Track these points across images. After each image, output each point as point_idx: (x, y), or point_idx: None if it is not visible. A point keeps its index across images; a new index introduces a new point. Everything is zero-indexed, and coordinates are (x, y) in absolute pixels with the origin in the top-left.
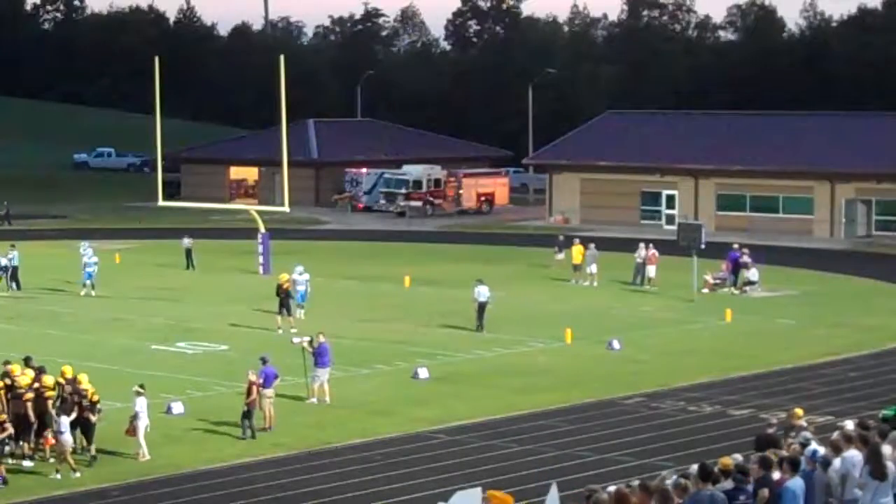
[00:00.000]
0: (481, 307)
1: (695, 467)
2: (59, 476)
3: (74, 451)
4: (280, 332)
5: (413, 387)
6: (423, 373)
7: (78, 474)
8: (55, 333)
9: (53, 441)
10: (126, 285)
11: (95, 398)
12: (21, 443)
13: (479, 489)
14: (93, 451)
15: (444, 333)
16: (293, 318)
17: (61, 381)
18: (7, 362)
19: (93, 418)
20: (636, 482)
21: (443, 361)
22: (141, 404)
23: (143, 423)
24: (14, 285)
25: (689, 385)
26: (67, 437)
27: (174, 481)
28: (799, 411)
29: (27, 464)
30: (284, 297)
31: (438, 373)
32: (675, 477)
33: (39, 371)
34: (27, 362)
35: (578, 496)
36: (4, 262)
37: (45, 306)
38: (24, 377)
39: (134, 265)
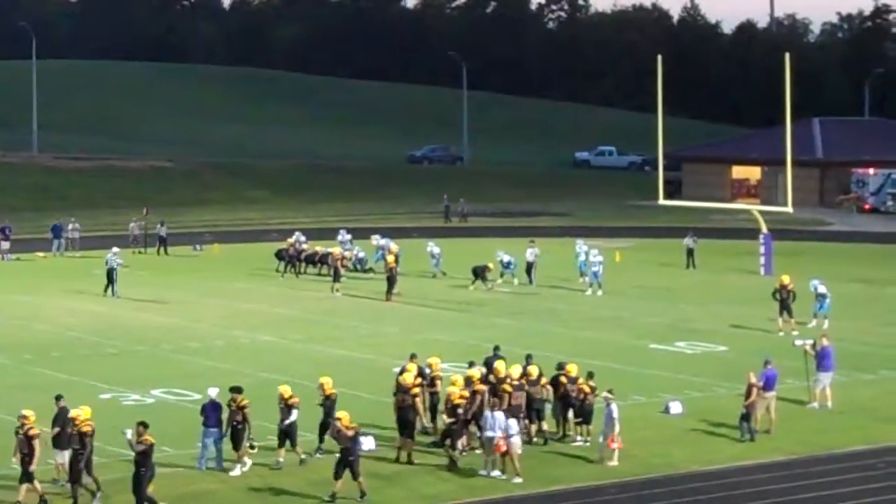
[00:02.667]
0: None
1: None
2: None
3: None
4: (781, 334)
5: None
6: None
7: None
8: (555, 330)
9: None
10: (626, 283)
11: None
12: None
13: None
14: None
15: None
16: (795, 321)
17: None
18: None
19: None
20: None
21: None
22: (614, 411)
23: (615, 429)
24: (529, 279)
25: None
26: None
27: (670, 481)
28: None
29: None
30: (785, 299)
31: None
32: None
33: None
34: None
35: None
36: (507, 258)
37: (547, 303)
38: (408, 374)
39: (634, 264)
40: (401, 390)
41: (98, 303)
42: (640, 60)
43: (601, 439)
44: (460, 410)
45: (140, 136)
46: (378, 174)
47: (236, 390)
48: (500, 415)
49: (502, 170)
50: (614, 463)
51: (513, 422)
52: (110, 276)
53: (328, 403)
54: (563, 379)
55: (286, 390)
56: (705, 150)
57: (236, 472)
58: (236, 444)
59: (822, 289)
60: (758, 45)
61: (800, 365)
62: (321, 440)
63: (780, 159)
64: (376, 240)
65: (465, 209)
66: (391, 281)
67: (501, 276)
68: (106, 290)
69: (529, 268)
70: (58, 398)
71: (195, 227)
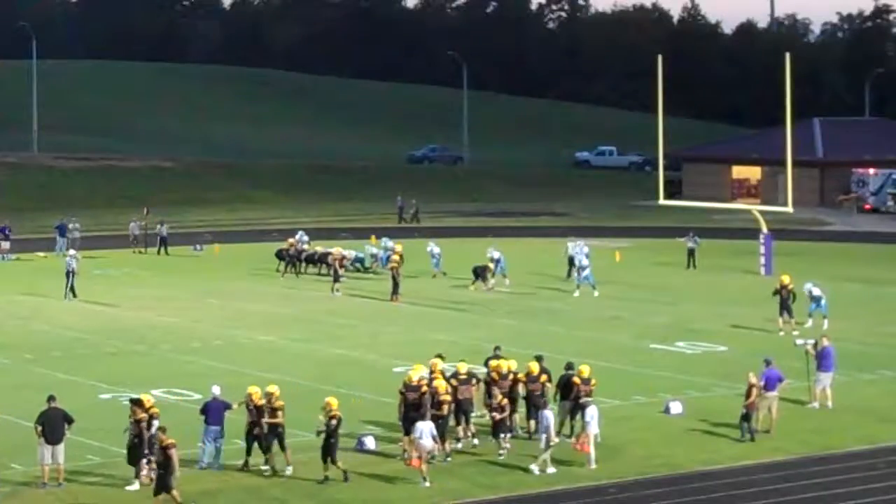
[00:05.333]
0: None
1: None
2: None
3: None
4: (782, 334)
5: None
6: None
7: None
8: (555, 330)
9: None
10: (626, 284)
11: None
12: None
13: None
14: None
15: None
16: (795, 321)
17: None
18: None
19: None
20: None
21: None
22: (591, 413)
23: (593, 431)
24: (577, 276)
25: None
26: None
27: (671, 481)
28: None
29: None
30: (785, 299)
31: None
32: None
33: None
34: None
35: None
36: (496, 254)
37: (544, 302)
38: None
39: (634, 263)
40: (409, 389)
41: (98, 303)
42: (640, 60)
43: (574, 440)
44: (334, 422)
45: (140, 136)
46: (378, 174)
47: (137, 403)
48: (549, 413)
49: (502, 170)
50: (592, 466)
51: (425, 425)
52: (68, 278)
53: (256, 412)
54: (577, 380)
55: (148, 399)
56: (705, 150)
57: (134, 486)
58: (132, 459)
59: (816, 291)
60: (758, 46)
61: (800, 365)
62: (266, 450)
63: (780, 159)
64: (385, 241)
65: (416, 209)
66: (396, 281)
67: (493, 275)
68: (66, 293)
69: (574, 262)
70: (50, 399)
71: (195, 227)
